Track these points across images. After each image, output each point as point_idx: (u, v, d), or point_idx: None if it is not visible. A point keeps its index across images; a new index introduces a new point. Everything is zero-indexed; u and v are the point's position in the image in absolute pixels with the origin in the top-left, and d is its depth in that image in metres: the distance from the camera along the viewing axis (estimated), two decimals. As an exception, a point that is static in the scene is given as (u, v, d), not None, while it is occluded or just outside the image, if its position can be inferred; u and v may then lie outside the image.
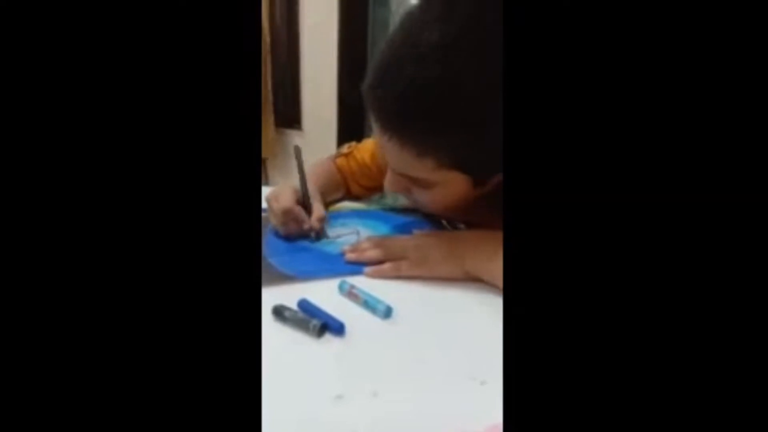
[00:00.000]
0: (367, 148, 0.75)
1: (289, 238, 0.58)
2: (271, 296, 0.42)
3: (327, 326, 0.38)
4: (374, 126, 0.47)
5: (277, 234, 0.58)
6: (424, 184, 0.50)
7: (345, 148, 0.77)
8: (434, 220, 0.66)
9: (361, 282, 0.46)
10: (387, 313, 0.41)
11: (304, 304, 0.40)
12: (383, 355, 0.36)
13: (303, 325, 0.37)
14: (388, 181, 0.54)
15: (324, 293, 0.43)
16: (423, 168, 0.47)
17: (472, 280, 0.47)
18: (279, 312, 0.39)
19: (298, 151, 0.61)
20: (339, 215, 0.67)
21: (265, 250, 0.54)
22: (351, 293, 0.43)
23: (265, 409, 0.23)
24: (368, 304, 0.42)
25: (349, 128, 2.17)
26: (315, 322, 0.37)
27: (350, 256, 0.52)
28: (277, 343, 0.36)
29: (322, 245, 0.57)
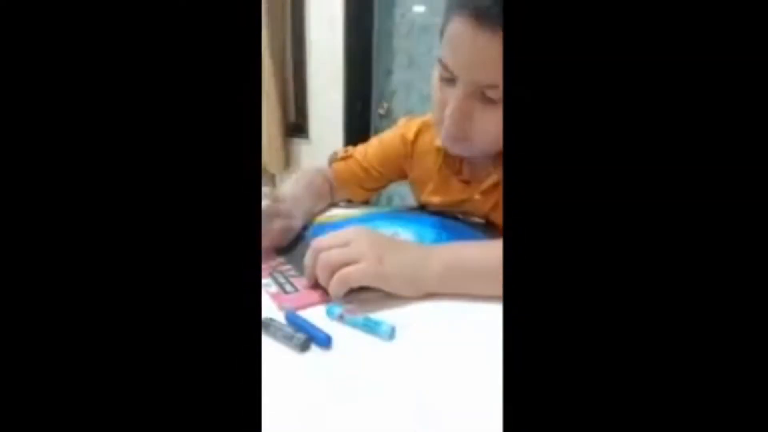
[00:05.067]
0: (367, 150, 0.76)
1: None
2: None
3: (312, 339, 0.39)
4: (465, 28, 0.48)
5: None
6: (496, 96, 0.50)
7: (341, 152, 0.78)
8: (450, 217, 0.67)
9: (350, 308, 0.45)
10: (391, 333, 0.40)
11: (291, 317, 0.41)
12: (375, 367, 0.37)
13: (288, 339, 0.38)
14: (452, 109, 0.53)
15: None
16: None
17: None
18: (266, 325, 0.40)
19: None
20: (338, 224, 0.66)
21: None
22: (341, 318, 0.42)
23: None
24: (369, 327, 0.40)
25: (355, 136, 2.19)
26: (299, 336, 0.38)
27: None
28: (265, 357, 0.37)
29: None
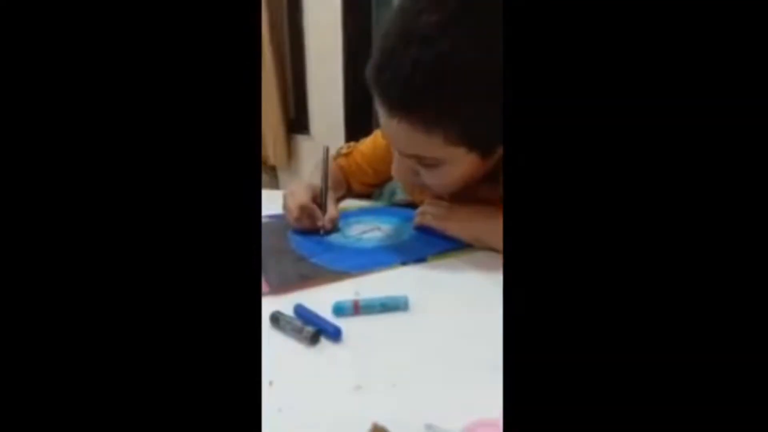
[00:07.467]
0: (363, 149, 0.78)
1: (303, 232, 0.61)
2: (332, 292, 0.45)
3: (322, 332, 0.38)
4: (382, 111, 0.49)
5: (295, 232, 0.61)
6: (433, 163, 0.51)
7: (345, 149, 0.80)
8: None
9: (364, 288, 0.46)
10: (405, 303, 0.42)
11: (300, 310, 0.41)
12: (402, 346, 0.38)
13: (297, 332, 0.38)
14: (395, 168, 0.56)
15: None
16: (432, 146, 0.48)
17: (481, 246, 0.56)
18: (275, 319, 0.39)
19: (326, 151, 0.65)
20: (352, 214, 0.70)
21: (302, 251, 0.56)
22: (358, 307, 0.42)
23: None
24: (388, 304, 0.42)
25: (356, 130, 2.17)
26: (309, 329, 0.37)
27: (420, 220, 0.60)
28: (274, 350, 0.37)
29: (354, 242, 0.60)
